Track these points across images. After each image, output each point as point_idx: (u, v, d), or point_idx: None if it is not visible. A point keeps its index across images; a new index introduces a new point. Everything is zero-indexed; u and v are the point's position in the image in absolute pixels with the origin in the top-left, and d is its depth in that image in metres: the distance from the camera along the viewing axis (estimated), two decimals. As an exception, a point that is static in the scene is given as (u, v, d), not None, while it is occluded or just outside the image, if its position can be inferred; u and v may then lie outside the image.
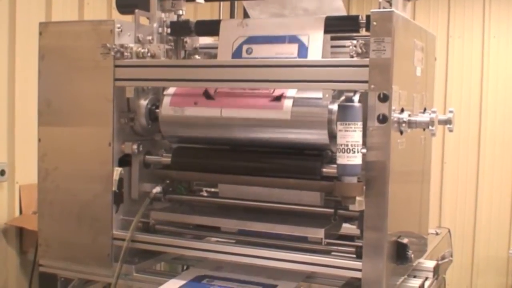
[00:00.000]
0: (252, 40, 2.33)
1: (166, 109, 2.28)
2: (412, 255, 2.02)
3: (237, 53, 2.30)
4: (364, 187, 1.92)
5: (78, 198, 2.33)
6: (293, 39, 2.24)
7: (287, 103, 2.10)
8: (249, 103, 2.16)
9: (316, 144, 2.12)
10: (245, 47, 2.30)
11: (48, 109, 2.38)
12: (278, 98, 2.12)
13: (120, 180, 2.26)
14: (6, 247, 3.87)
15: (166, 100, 2.29)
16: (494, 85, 5.73)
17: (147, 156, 2.36)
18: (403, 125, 1.96)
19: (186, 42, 2.51)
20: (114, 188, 2.25)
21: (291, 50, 2.22)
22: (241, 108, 2.18)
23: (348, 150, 1.90)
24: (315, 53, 2.19)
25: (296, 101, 2.11)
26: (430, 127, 2.01)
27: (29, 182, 3.81)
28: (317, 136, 2.08)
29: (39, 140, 2.39)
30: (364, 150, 1.92)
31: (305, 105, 2.11)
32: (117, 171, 2.26)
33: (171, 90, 2.31)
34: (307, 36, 2.23)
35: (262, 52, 2.27)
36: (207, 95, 2.22)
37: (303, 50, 2.21)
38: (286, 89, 2.13)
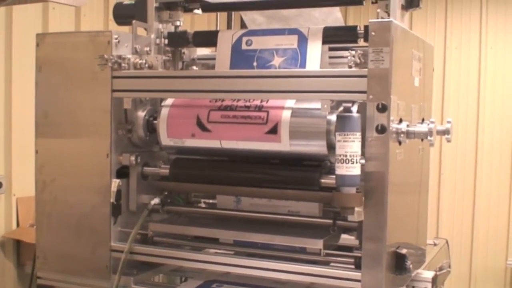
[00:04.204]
0: (252, 32, 2.33)
1: (165, 140, 2.28)
2: (411, 266, 2.01)
3: (237, 45, 2.31)
4: (363, 198, 1.92)
5: (76, 210, 2.31)
6: (292, 31, 2.25)
7: (284, 133, 2.10)
8: (246, 134, 2.16)
9: (314, 155, 2.11)
10: (244, 39, 2.30)
11: (46, 121, 2.37)
12: (274, 130, 2.11)
13: (118, 192, 2.25)
14: (4, 260, 3.86)
15: (163, 131, 2.27)
16: (491, 96, 5.75)
17: (145, 168, 2.35)
18: (402, 135, 1.95)
19: (183, 53, 2.51)
20: (112, 199, 2.24)
21: (290, 41, 2.23)
22: (240, 141, 2.18)
23: (347, 161, 1.89)
24: (313, 64, 2.19)
25: (294, 112, 2.10)
26: (429, 137, 2.00)
27: (27, 194, 3.81)
28: (315, 147, 2.08)
29: (36, 151, 2.39)
30: (363, 161, 1.92)
31: (303, 116, 2.11)
32: (115, 182, 2.25)
33: (169, 101, 2.31)
34: (307, 28, 2.23)
35: (262, 43, 2.27)
36: (202, 127, 2.21)
37: (302, 41, 2.21)
38: (281, 109, 2.12)
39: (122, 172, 2.30)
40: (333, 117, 2.05)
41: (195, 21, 5.18)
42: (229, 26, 4.16)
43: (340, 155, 1.90)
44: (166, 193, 2.37)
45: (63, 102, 2.34)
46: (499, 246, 5.73)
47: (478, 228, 5.81)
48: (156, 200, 2.33)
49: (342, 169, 1.91)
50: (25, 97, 3.69)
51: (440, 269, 2.46)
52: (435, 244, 2.83)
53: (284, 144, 2.10)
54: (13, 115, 3.96)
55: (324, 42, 2.21)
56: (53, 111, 2.36)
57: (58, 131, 2.36)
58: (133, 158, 2.29)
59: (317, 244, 2.08)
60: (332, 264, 2.08)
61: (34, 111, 2.39)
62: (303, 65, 2.21)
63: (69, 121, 2.33)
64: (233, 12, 3.94)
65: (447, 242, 3.01)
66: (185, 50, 2.51)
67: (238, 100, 2.20)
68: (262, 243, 2.20)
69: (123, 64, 2.23)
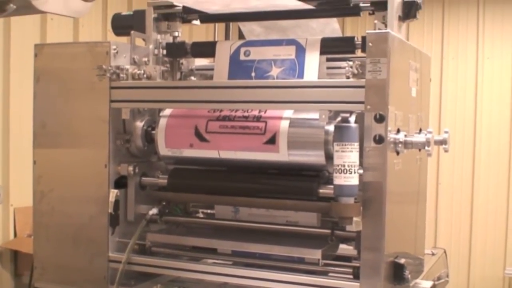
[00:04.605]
0: (250, 42, 2.35)
1: (163, 150, 2.29)
2: (409, 276, 2.01)
3: (235, 56, 2.31)
4: (361, 208, 1.92)
5: (73, 220, 2.31)
6: (290, 42, 2.26)
7: (282, 144, 2.10)
8: (244, 145, 2.16)
9: (313, 165, 2.12)
10: (242, 49, 2.31)
11: (44, 131, 2.37)
12: (272, 140, 2.11)
13: (116, 202, 2.25)
14: (1, 270, 3.85)
15: (161, 141, 2.27)
16: (488, 107, 5.77)
17: (143, 178, 2.35)
18: (399, 145, 1.96)
19: (182, 63, 2.51)
20: (110, 210, 2.24)
21: (288, 52, 2.24)
22: (238, 151, 2.18)
23: (345, 171, 1.90)
24: (311, 74, 2.20)
25: (292, 122, 2.11)
26: (426, 148, 2.01)
27: (24, 204, 3.80)
28: (313, 157, 2.08)
29: (34, 162, 2.38)
30: (361, 171, 1.92)
31: (301, 126, 2.11)
32: (113, 193, 2.25)
33: (167, 111, 2.31)
34: (304, 39, 2.24)
35: (260, 54, 2.28)
36: (200, 137, 2.22)
37: (300, 51, 2.22)
38: (279, 120, 2.13)
39: (120, 182, 2.30)
40: (331, 128, 2.06)
41: (193, 31, 5.19)
42: (227, 37, 4.18)
43: (338, 165, 1.91)
44: (164, 203, 2.37)
45: (61, 112, 2.34)
46: (497, 255, 5.73)
47: (476, 237, 5.81)
48: (154, 210, 2.32)
49: (340, 179, 1.91)
50: (23, 108, 3.69)
51: (438, 278, 2.46)
52: (433, 254, 2.83)
53: (282, 154, 2.11)
54: (11, 125, 3.96)
55: (322, 53, 2.22)
56: (51, 122, 2.36)
57: (56, 141, 2.36)
58: (131, 168, 2.29)
59: (316, 254, 2.08)
60: (330, 274, 2.08)
61: (32, 121, 2.39)
62: (301, 75, 2.22)
63: (67, 131, 2.33)
64: (231, 23, 3.96)
65: (445, 251, 3.01)
66: (183, 60, 2.52)
67: (236, 110, 2.20)
68: (260, 253, 2.20)
69: (121, 75, 2.23)
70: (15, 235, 3.96)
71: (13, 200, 3.94)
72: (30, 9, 1.78)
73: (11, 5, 1.72)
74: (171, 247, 2.34)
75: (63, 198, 2.34)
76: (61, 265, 2.35)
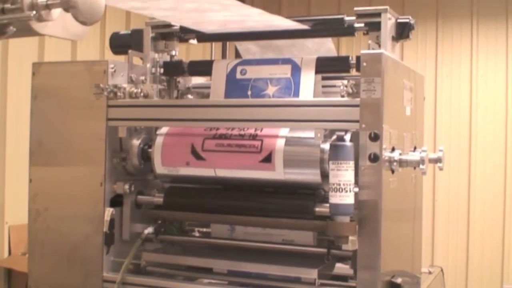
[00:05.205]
0: (246, 61, 2.37)
1: (159, 168, 2.29)
2: (406, 295, 2.01)
3: (231, 74, 2.33)
4: (357, 227, 1.92)
5: (68, 239, 2.30)
6: (286, 61, 2.28)
7: (278, 162, 2.11)
8: (240, 163, 2.17)
9: (308, 183, 2.12)
10: (239, 68, 2.33)
11: (40, 149, 2.37)
12: (268, 158, 2.12)
13: (112, 221, 2.24)
14: (-5, 288, 3.83)
15: (158, 159, 2.28)
16: (482, 124, 5.77)
17: (139, 196, 2.35)
18: (394, 164, 1.97)
19: (179, 82, 2.53)
20: (105, 229, 2.23)
21: (284, 70, 2.25)
22: (234, 169, 2.19)
23: (341, 189, 1.90)
24: (306, 93, 2.21)
25: (288, 141, 2.12)
26: (421, 166, 2.02)
27: (19, 222, 3.79)
28: (309, 175, 2.09)
29: (30, 180, 2.38)
30: (357, 189, 1.92)
31: (297, 144, 2.12)
32: (109, 211, 2.24)
33: (164, 130, 2.32)
34: (300, 58, 2.26)
35: (256, 72, 2.30)
36: (196, 155, 2.22)
37: (296, 70, 2.24)
38: (275, 138, 2.14)
39: (116, 201, 2.30)
40: (326, 146, 2.07)
41: (190, 50, 5.20)
42: (223, 56, 4.19)
43: (333, 184, 1.91)
44: (159, 222, 2.36)
45: (58, 130, 2.35)
46: (494, 273, 5.71)
47: (473, 254, 5.79)
48: (149, 229, 2.32)
49: (335, 198, 1.91)
50: (20, 125, 3.70)
51: (435, 297, 2.45)
52: (430, 272, 2.83)
53: (278, 173, 2.11)
54: (7, 143, 3.96)
55: (317, 72, 2.24)
56: (48, 140, 2.36)
57: (52, 159, 2.36)
58: (127, 186, 2.29)
59: (312, 273, 2.07)
60: (326, 293, 2.08)
61: (28, 139, 2.39)
62: (296, 94, 2.23)
63: (63, 149, 2.33)
64: (227, 42, 3.97)
65: (442, 270, 3.01)
66: (180, 79, 2.53)
67: (233, 128, 2.21)
68: (256, 273, 2.19)
69: (118, 93, 2.24)
70: (10, 253, 3.94)
71: (8, 217, 3.93)
72: (30, 32, 1.79)
73: (11, 27, 1.73)
74: (166, 266, 2.33)
75: (59, 217, 2.33)
76: (56, 284, 2.33)
